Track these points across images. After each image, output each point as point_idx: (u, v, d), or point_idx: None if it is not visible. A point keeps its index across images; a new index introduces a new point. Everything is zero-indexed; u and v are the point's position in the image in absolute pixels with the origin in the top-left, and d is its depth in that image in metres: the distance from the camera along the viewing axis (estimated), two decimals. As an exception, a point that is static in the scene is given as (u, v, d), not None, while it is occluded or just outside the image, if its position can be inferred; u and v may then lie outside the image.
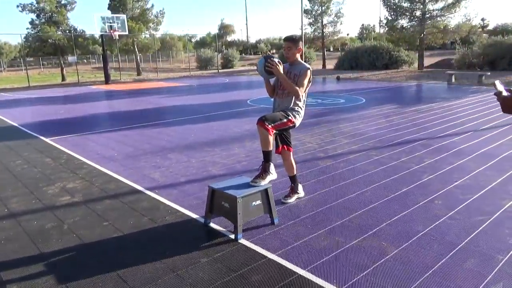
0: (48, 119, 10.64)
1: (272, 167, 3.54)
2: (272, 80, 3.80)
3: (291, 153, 3.93)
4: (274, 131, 3.52)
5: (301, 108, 3.70)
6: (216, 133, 7.79)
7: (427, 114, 9.10)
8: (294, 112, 3.64)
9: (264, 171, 3.47)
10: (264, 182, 3.43)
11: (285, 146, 3.86)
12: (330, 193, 4.24)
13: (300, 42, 3.72)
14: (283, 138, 3.85)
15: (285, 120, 3.56)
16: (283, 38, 3.79)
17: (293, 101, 3.64)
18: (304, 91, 3.63)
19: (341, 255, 2.95)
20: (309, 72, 3.58)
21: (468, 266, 2.74)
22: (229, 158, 5.84)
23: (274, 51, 58.93)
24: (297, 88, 3.53)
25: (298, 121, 3.69)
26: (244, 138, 7.15)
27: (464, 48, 23.68)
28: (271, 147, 3.52)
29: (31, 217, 3.87)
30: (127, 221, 3.68)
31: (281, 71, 3.55)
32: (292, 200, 4.01)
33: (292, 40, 3.64)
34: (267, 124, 3.41)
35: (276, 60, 3.55)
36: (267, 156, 3.51)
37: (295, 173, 3.98)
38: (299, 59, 3.71)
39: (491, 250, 2.94)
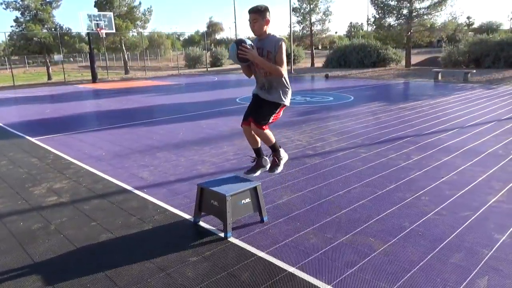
0: (34, 118, 10.47)
1: (282, 151, 3.59)
2: None
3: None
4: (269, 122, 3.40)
5: (288, 82, 3.38)
6: (205, 132, 7.76)
7: (414, 112, 9.20)
8: (284, 95, 3.35)
9: (277, 159, 3.54)
10: (279, 170, 3.56)
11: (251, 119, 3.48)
12: (319, 190, 4.27)
13: (268, 13, 3.21)
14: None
15: (276, 111, 3.37)
16: (248, 10, 3.28)
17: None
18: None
19: (330, 252, 2.97)
20: (284, 44, 3.20)
21: (454, 261, 2.79)
22: (218, 156, 5.83)
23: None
24: (278, 67, 3.18)
25: (288, 100, 3.42)
26: (233, 137, 7.14)
27: (450, 46, 24.01)
28: (274, 138, 3.48)
29: (17, 218, 3.81)
30: (115, 221, 3.65)
31: (256, 54, 3.19)
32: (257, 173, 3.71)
33: (258, 11, 3.17)
34: (262, 124, 3.31)
35: (249, 43, 3.18)
36: (273, 147, 3.52)
37: (259, 146, 3.64)
38: (268, 31, 3.29)
39: (476, 244, 3.00)
